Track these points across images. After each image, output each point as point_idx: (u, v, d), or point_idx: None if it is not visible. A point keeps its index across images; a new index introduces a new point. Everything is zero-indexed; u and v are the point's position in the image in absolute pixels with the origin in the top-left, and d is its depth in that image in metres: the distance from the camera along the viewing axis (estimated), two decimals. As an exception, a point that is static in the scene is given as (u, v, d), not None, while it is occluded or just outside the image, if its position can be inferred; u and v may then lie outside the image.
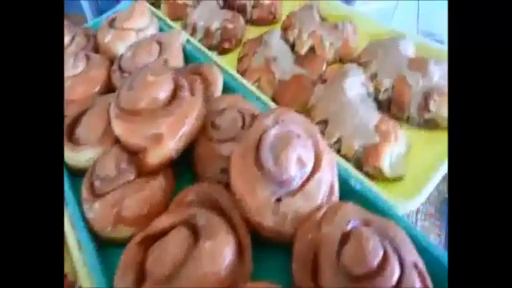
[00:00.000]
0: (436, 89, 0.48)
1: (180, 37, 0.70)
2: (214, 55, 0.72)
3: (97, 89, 0.66)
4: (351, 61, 0.62)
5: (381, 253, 0.31)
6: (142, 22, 0.74)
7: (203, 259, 0.35)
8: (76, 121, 0.57)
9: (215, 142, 0.48)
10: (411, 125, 0.51)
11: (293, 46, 0.66)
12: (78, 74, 0.65)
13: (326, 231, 0.35)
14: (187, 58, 0.70)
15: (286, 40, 0.67)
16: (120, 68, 0.66)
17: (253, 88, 0.58)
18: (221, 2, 0.83)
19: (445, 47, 0.56)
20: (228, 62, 0.69)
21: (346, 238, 0.35)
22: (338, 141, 0.48)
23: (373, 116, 0.47)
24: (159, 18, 0.81)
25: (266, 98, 0.55)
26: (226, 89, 0.60)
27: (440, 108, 0.48)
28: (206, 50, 0.69)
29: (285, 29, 0.69)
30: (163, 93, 0.47)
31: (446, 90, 0.48)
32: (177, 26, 0.79)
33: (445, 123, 0.49)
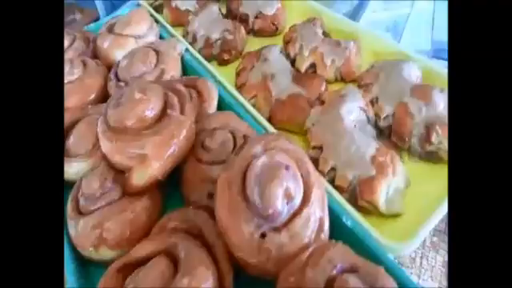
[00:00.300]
0: (439, 119, 0.46)
1: (178, 46, 0.69)
2: (213, 66, 0.71)
3: (92, 97, 0.65)
4: (353, 80, 0.59)
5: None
6: (141, 29, 0.72)
7: (180, 296, 0.33)
8: (67, 131, 0.56)
9: (204, 164, 0.47)
10: (412, 155, 0.48)
11: (293, 61, 0.64)
12: (74, 80, 0.64)
13: (310, 276, 0.33)
14: (185, 67, 0.69)
15: (287, 55, 0.64)
16: (116, 76, 0.65)
17: (249, 106, 0.56)
18: (223, 11, 0.81)
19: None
20: (228, 73, 0.68)
21: (331, 283, 0.32)
22: (333, 170, 0.45)
23: (370, 146, 0.44)
24: (160, 25, 0.79)
25: (261, 118, 0.53)
26: (222, 104, 0.58)
27: (443, 141, 0.45)
28: (205, 61, 0.67)
29: (286, 42, 0.67)
30: (151, 111, 0.45)
31: (449, 121, 0.45)
32: (178, 32, 0.77)
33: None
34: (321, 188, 0.39)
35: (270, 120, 0.56)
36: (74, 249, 0.45)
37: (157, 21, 0.81)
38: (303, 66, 0.61)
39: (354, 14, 1.18)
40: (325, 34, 0.65)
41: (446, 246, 0.47)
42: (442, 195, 0.44)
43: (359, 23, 0.74)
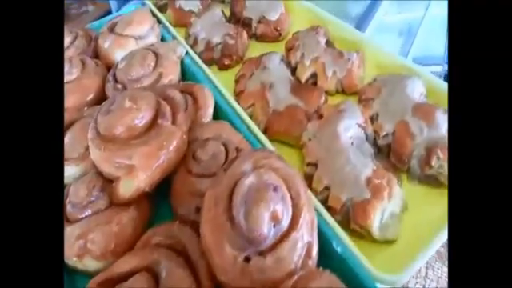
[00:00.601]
0: (441, 142, 0.43)
1: (178, 49, 0.67)
2: (213, 70, 0.69)
3: (89, 98, 0.64)
4: (354, 93, 0.57)
5: None
6: (142, 30, 0.71)
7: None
8: (62, 133, 0.55)
9: (194, 176, 0.45)
10: (412, 178, 0.46)
11: (294, 69, 0.62)
12: (72, 80, 0.63)
13: (293, 306, 0.31)
14: (185, 71, 0.67)
15: (288, 62, 0.62)
16: (114, 78, 0.64)
17: (245, 115, 0.54)
18: (227, 14, 0.79)
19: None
20: (228, 78, 0.66)
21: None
22: (326, 189, 0.44)
23: (366, 166, 0.42)
24: (163, 25, 0.78)
25: (256, 130, 0.52)
26: (218, 111, 0.57)
27: (444, 165, 0.43)
28: (205, 66, 0.66)
29: (288, 49, 0.65)
30: (140, 120, 0.44)
31: (451, 144, 0.43)
32: (180, 34, 0.75)
33: (448, 182, 0.44)
34: (311, 210, 0.38)
35: (266, 131, 0.54)
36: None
37: (159, 21, 0.80)
38: (304, 76, 0.59)
39: (365, 16, 1.16)
40: (328, 42, 0.63)
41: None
42: (441, 222, 0.42)
43: (364, 33, 0.72)
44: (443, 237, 0.41)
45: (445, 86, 0.53)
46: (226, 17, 0.77)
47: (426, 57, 1.39)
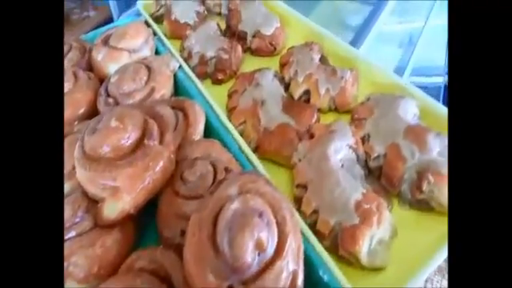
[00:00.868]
0: (432, 166, 0.42)
1: (172, 63, 0.67)
2: (207, 84, 0.69)
3: (81, 111, 0.63)
4: (348, 111, 0.56)
5: None
6: (136, 43, 0.71)
7: None
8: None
9: (180, 198, 0.44)
10: (402, 202, 0.45)
11: (288, 85, 0.61)
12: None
13: None
14: (178, 85, 0.67)
15: (282, 78, 0.62)
16: (106, 92, 0.63)
17: (236, 133, 0.53)
18: (223, 26, 0.79)
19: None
20: (221, 92, 0.66)
21: None
22: (315, 212, 0.43)
23: (356, 190, 0.41)
24: (158, 37, 0.78)
25: (247, 149, 0.51)
26: (209, 127, 0.56)
27: (435, 190, 0.42)
28: (198, 81, 0.65)
29: (282, 65, 0.64)
30: (126, 140, 0.43)
31: (444, 169, 0.42)
32: (176, 46, 0.75)
33: (440, 208, 0.43)
34: (297, 236, 0.37)
35: (257, 149, 0.53)
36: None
37: (155, 33, 0.79)
38: (297, 93, 0.59)
39: (365, 27, 1.15)
40: (323, 58, 0.62)
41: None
42: (432, 249, 0.41)
43: (359, 50, 0.71)
44: (434, 264, 0.40)
45: (439, 106, 0.52)
46: (221, 30, 0.77)
47: (427, 67, 1.39)
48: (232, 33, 0.75)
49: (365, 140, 0.49)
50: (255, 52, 0.72)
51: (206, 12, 0.85)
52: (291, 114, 0.53)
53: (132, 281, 0.38)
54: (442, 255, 0.41)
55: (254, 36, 0.71)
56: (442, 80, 1.36)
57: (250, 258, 0.34)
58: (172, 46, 0.74)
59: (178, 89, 0.67)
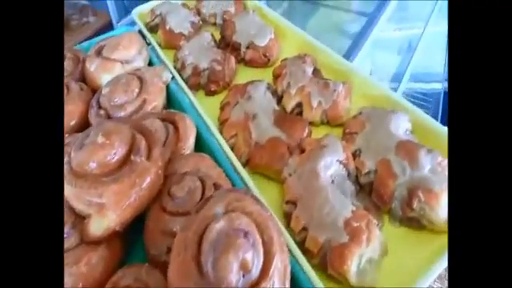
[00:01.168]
0: (423, 184, 0.42)
1: (164, 75, 0.66)
2: (200, 96, 0.68)
3: (72, 123, 0.63)
4: (340, 125, 0.56)
5: None
6: (129, 54, 0.71)
7: None
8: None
9: (168, 214, 0.44)
10: (393, 219, 0.44)
11: (281, 98, 0.61)
12: (55, 104, 0.62)
13: None
14: (170, 97, 0.66)
15: (275, 91, 0.61)
16: (98, 103, 0.63)
17: (226, 147, 0.53)
18: (218, 37, 0.78)
19: (445, 129, 0.49)
20: (214, 103, 0.65)
21: None
22: (304, 230, 0.42)
23: (346, 207, 0.41)
24: (152, 47, 0.77)
25: (237, 163, 0.50)
26: (200, 140, 0.55)
27: (425, 209, 0.41)
28: (190, 93, 0.65)
29: (276, 77, 0.64)
30: (113, 156, 0.42)
31: (435, 186, 0.41)
32: (170, 56, 0.75)
33: (432, 226, 0.42)
34: (284, 256, 0.36)
35: (247, 163, 0.53)
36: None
37: (149, 43, 0.79)
38: (289, 106, 0.58)
39: (363, 33, 1.15)
40: (316, 71, 0.62)
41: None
42: (423, 267, 0.40)
43: (353, 63, 0.70)
44: (425, 282, 0.39)
45: (431, 121, 0.51)
46: (215, 40, 0.77)
47: (425, 74, 1.38)
48: (226, 43, 0.75)
49: (356, 155, 0.48)
50: (249, 63, 0.72)
51: (200, 22, 0.85)
52: (283, 128, 0.52)
53: (116, 300, 0.37)
54: (434, 273, 0.40)
55: (247, 47, 0.71)
56: (440, 86, 1.35)
57: (234, 279, 0.33)
58: (166, 56, 0.74)
59: (171, 100, 0.67)
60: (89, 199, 0.41)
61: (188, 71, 0.70)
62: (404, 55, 1.33)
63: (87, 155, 0.42)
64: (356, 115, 0.54)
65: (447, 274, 0.46)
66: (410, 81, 1.24)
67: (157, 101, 0.63)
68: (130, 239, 0.47)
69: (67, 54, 0.75)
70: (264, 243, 0.36)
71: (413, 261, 0.41)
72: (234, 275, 0.33)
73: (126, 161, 0.43)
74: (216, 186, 0.46)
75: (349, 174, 0.47)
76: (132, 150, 0.44)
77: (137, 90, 0.63)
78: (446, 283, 0.48)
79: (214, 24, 0.86)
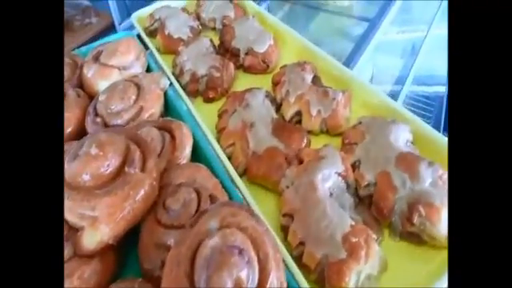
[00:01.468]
0: (424, 197, 0.40)
1: (162, 82, 0.66)
2: (198, 102, 0.67)
3: (68, 130, 0.62)
4: (339, 134, 0.55)
5: None
6: (126, 60, 0.70)
7: None
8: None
9: (162, 227, 0.43)
10: (393, 233, 0.43)
11: (280, 106, 0.60)
12: (52, 111, 0.62)
13: None
14: (168, 104, 0.66)
15: (273, 99, 0.60)
16: (95, 110, 0.62)
17: (223, 157, 0.52)
18: (217, 42, 0.78)
19: (446, 140, 0.47)
20: (213, 110, 0.64)
21: None
22: (302, 244, 0.41)
23: (344, 221, 0.40)
24: (150, 52, 0.77)
25: (234, 174, 0.49)
26: (197, 148, 0.55)
27: (426, 224, 0.40)
28: (188, 100, 0.64)
29: (275, 84, 0.63)
30: (106, 168, 0.42)
31: (435, 201, 0.40)
32: (168, 61, 0.74)
33: (432, 241, 0.41)
34: (280, 273, 0.35)
35: (245, 173, 0.52)
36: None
37: (147, 47, 0.79)
38: (288, 114, 0.57)
39: (365, 36, 1.14)
40: (315, 78, 0.61)
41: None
42: (424, 282, 0.39)
43: (353, 71, 0.69)
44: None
45: (432, 132, 0.50)
46: (214, 46, 0.76)
47: (429, 76, 1.37)
48: (225, 49, 0.74)
49: (355, 166, 0.47)
50: (248, 69, 0.71)
51: (200, 27, 0.84)
52: (281, 138, 0.51)
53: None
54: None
55: (246, 53, 0.70)
56: (444, 89, 1.34)
57: (228, 298, 0.32)
58: (165, 61, 0.74)
59: (169, 107, 0.66)
60: (81, 212, 0.41)
61: (186, 77, 0.69)
62: (407, 58, 1.31)
63: (80, 167, 0.41)
64: (356, 125, 0.52)
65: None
66: (413, 84, 1.22)
67: (154, 108, 0.62)
68: (125, 251, 0.46)
69: (65, 60, 0.75)
70: (259, 260, 0.35)
71: (413, 278, 0.40)
72: (227, 294, 0.32)
73: (119, 172, 0.42)
74: (212, 198, 0.45)
75: (348, 187, 0.45)
76: (126, 161, 0.43)
77: (134, 97, 0.62)
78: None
79: (214, 29, 0.86)
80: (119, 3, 1.55)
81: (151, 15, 0.86)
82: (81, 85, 0.71)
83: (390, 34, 1.32)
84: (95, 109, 0.62)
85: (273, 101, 0.60)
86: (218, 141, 0.56)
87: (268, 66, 0.69)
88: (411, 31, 1.35)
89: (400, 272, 0.40)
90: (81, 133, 0.62)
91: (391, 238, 0.43)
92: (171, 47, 0.79)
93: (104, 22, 1.69)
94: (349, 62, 0.92)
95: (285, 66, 0.64)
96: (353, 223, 0.40)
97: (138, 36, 0.82)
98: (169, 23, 0.81)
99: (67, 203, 0.41)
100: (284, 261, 0.39)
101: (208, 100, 0.67)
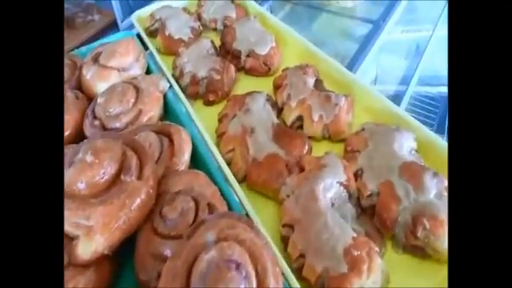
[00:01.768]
0: (428, 209, 0.39)
1: (161, 84, 0.64)
2: (198, 105, 0.66)
3: (67, 133, 0.61)
4: (342, 140, 0.53)
5: None
6: (126, 61, 0.69)
7: None
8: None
9: (159, 237, 0.42)
10: (396, 246, 0.41)
11: (281, 110, 0.58)
12: (49, 114, 0.61)
13: None
14: (168, 106, 0.64)
15: (275, 103, 0.59)
16: (93, 113, 0.61)
17: (223, 163, 0.51)
18: (219, 43, 0.76)
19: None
20: (213, 113, 0.63)
21: None
22: (302, 256, 0.40)
23: (346, 234, 0.38)
24: (150, 52, 0.75)
25: (233, 181, 0.48)
26: (196, 153, 0.53)
27: (430, 237, 0.39)
28: (188, 103, 0.63)
29: (276, 87, 0.61)
30: (102, 176, 0.41)
31: (440, 214, 0.39)
32: (168, 62, 0.73)
33: (437, 255, 0.39)
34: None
35: (245, 179, 0.51)
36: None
37: (147, 48, 0.77)
38: (289, 119, 0.56)
39: (370, 37, 1.13)
40: (318, 81, 0.60)
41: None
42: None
43: (356, 74, 0.68)
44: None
45: (438, 140, 0.48)
46: (215, 47, 0.74)
47: (434, 77, 1.35)
48: (226, 51, 0.72)
49: (358, 175, 0.46)
50: (249, 72, 0.70)
51: (201, 28, 0.83)
52: (281, 144, 0.50)
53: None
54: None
55: (248, 55, 0.68)
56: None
57: (224, 315, 0.31)
58: (164, 62, 0.72)
59: (168, 110, 0.65)
60: (76, 221, 0.39)
61: (186, 80, 0.67)
62: (412, 58, 1.30)
63: (75, 175, 0.40)
64: (359, 131, 0.51)
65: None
66: (417, 84, 1.21)
67: (153, 111, 0.61)
68: (121, 261, 0.45)
69: (65, 60, 0.74)
70: (257, 274, 0.34)
71: (417, 290, 0.38)
72: (224, 310, 0.31)
73: (115, 180, 0.41)
74: (210, 207, 0.44)
75: (350, 196, 0.44)
76: (122, 168, 0.42)
77: (132, 100, 0.61)
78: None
79: (215, 29, 0.84)
80: (122, 2, 1.54)
81: (152, 15, 0.84)
82: (79, 86, 0.70)
83: (395, 34, 1.30)
84: (93, 111, 0.61)
85: (274, 105, 0.58)
86: (218, 145, 0.55)
87: (269, 69, 0.68)
88: (416, 31, 1.33)
89: (403, 284, 0.39)
90: (79, 136, 0.60)
91: (394, 251, 0.42)
92: (172, 48, 0.77)
93: (106, 19, 1.68)
94: (353, 62, 0.91)
95: (286, 68, 0.63)
96: (355, 235, 0.39)
97: (138, 35, 0.81)
98: (169, 24, 0.80)
99: (61, 212, 0.41)
100: (283, 274, 0.38)
101: (208, 103, 0.66)
